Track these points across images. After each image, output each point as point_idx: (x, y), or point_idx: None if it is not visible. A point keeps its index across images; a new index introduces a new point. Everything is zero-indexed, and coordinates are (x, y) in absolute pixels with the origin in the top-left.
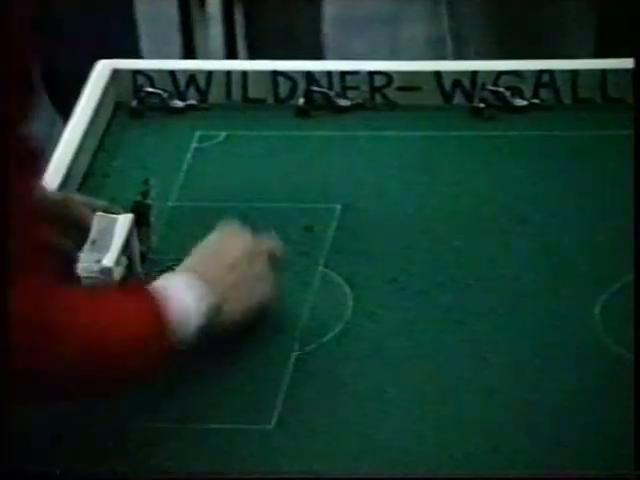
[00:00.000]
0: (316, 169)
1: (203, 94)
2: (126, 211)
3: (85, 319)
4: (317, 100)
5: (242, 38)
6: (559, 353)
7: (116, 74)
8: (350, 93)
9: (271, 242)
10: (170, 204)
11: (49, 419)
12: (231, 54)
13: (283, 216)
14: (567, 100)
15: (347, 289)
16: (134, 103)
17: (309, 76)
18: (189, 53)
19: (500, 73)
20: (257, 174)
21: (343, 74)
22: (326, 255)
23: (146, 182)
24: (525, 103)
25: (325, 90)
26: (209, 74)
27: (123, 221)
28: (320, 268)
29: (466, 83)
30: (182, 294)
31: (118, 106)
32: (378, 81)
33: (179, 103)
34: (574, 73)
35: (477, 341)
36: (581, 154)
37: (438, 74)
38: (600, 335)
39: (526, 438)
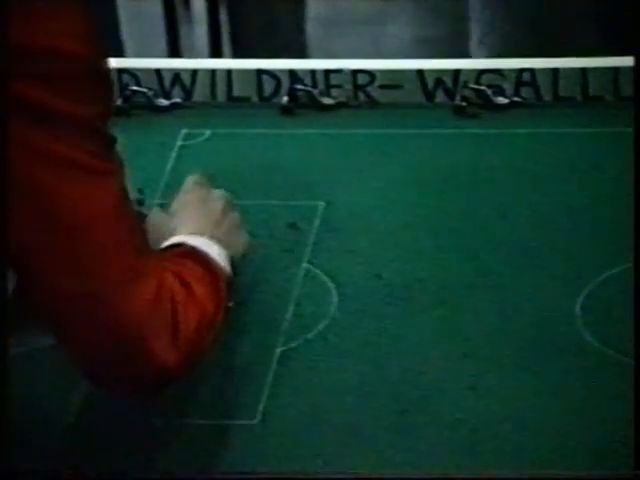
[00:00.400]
0: (300, 166)
1: (188, 92)
2: None
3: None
4: (301, 98)
5: (227, 37)
6: (540, 349)
7: None
8: (334, 91)
9: (219, 192)
10: (156, 202)
11: (46, 418)
12: (216, 53)
13: (267, 213)
14: (548, 98)
15: (331, 285)
16: (119, 101)
17: (293, 75)
18: (174, 52)
19: (482, 71)
20: (241, 171)
21: (327, 73)
22: (310, 252)
23: (140, 191)
24: (506, 101)
25: (309, 88)
26: (194, 73)
27: None
28: (304, 264)
29: (448, 81)
30: (216, 256)
31: None
32: (361, 79)
33: (164, 101)
34: (555, 71)
35: (459, 337)
36: (562, 151)
37: (420, 72)
38: (581, 331)
39: (508, 434)
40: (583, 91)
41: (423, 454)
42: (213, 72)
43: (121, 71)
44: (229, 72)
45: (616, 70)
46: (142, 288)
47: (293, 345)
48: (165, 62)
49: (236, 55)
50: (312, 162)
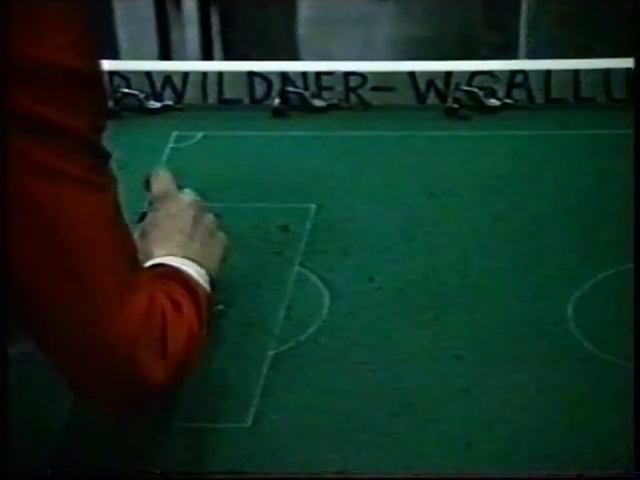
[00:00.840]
0: (291, 169)
1: (179, 95)
2: None
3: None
4: (292, 100)
5: (218, 39)
6: (533, 351)
7: None
8: (325, 93)
9: (190, 194)
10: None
11: (43, 419)
12: (207, 55)
13: (258, 215)
14: (540, 100)
15: (323, 288)
16: (111, 104)
17: (284, 77)
18: (165, 54)
19: (474, 73)
20: (233, 174)
21: (318, 75)
22: (302, 254)
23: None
24: (498, 103)
25: (300, 90)
26: (185, 75)
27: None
28: (296, 267)
29: (440, 83)
30: (194, 274)
31: None
32: (353, 81)
33: (155, 104)
34: (547, 73)
35: (452, 339)
36: (554, 153)
37: (412, 74)
38: (573, 333)
39: (500, 436)
40: (575, 93)
41: (415, 456)
42: (204, 74)
43: (112, 73)
44: (220, 74)
45: (608, 72)
46: (134, 301)
47: (285, 348)
48: (156, 64)
49: (227, 57)
50: (304, 164)
